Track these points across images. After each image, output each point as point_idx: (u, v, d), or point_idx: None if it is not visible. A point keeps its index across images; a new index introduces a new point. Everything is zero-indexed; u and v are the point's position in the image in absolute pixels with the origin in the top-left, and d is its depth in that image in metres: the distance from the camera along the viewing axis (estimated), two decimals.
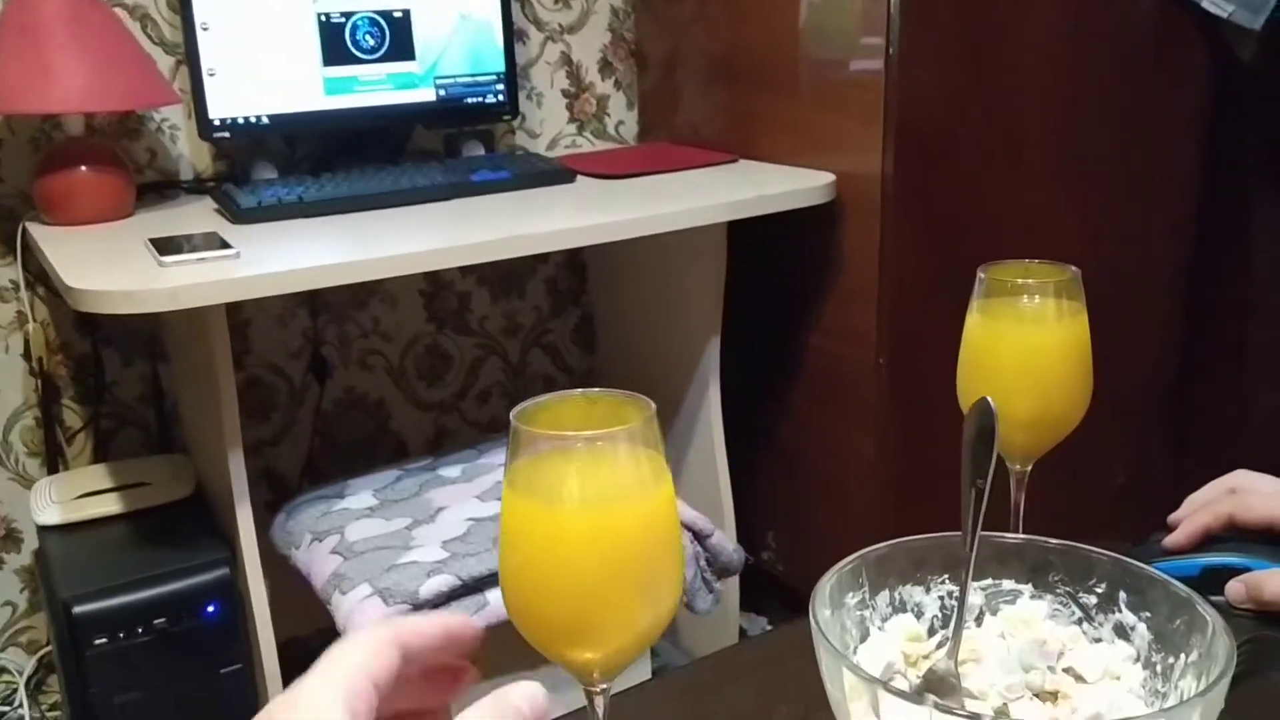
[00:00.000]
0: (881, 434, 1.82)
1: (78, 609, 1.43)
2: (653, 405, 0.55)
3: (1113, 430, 1.88)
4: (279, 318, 2.04)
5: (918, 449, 1.82)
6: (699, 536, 1.63)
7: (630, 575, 0.54)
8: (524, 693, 0.43)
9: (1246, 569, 0.84)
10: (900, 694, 0.58)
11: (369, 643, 0.44)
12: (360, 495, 1.64)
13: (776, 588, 2.08)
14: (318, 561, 1.47)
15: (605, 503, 0.53)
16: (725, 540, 1.68)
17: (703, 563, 1.64)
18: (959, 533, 0.67)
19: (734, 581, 1.84)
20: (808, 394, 1.96)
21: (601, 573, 0.53)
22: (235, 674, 1.53)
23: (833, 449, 1.92)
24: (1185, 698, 0.61)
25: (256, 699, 1.55)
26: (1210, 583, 0.84)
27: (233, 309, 1.52)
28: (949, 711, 0.57)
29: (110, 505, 1.67)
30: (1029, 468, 0.83)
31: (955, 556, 0.68)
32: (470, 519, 1.54)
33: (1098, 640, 0.69)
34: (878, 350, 1.78)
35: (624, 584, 0.54)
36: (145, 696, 1.47)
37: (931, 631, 0.72)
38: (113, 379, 1.93)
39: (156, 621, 1.46)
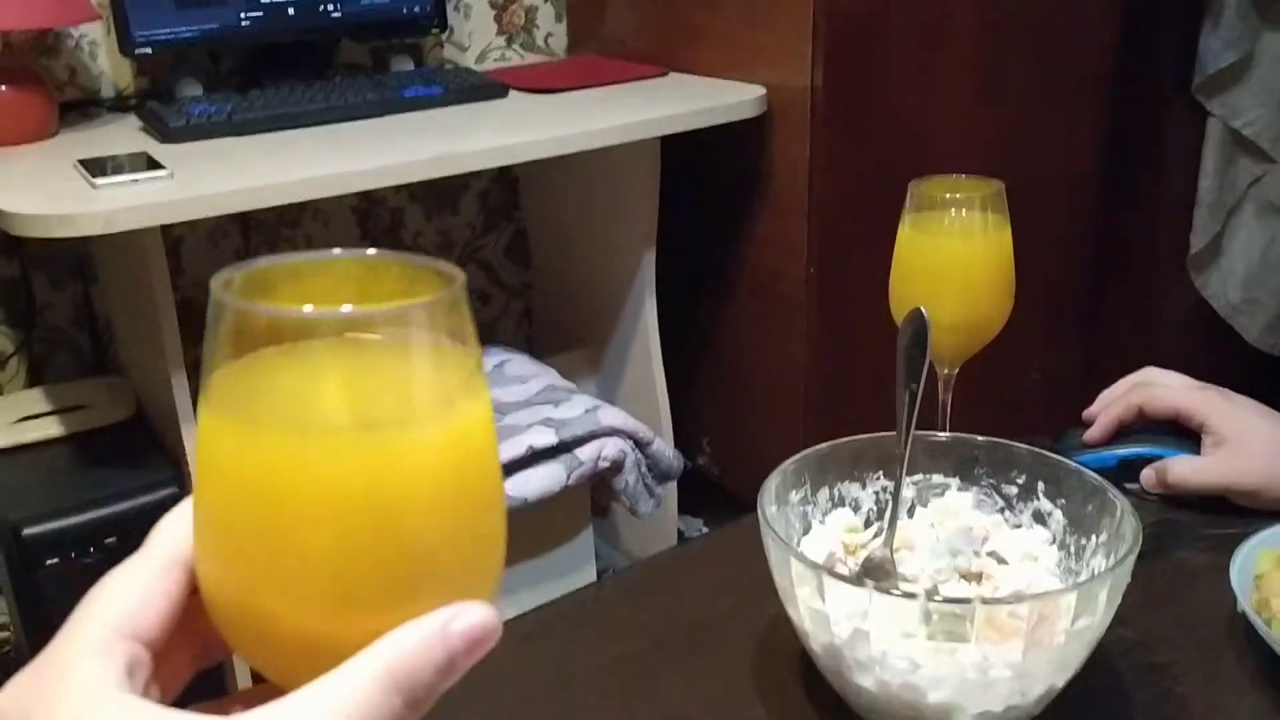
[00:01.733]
0: (811, 342, 1.88)
1: (27, 531, 1.45)
2: (461, 275, 0.34)
3: (1031, 333, 1.97)
4: (210, 236, 2.03)
5: (846, 356, 1.89)
6: (640, 444, 1.68)
7: (420, 551, 0.33)
8: (465, 626, 0.32)
9: (1157, 457, 0.91)
10: (842, 578, 0.63)
11: (145, 566, 0.34)
12: None
13: (712, 491, 2.15)
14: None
15: (384, 433, 0.32)
16: (664, 447, 1.74)
17: (644, 469, 1.70)
18: (893, 433, 0.72)
19: (672, 486, 1.91)
20: (741, 304, 2.01)
21: (374, 551, 0.32)
22: None
23: (765, 357, 1.98)
24: (1096, 573, 0.68)
25: None
26: (1125, 472, 0.92)
27: (164, 228, 1.52)
28: (885, 592, 0.63)
29: (50, 429, 1.67)
30: (955, 370, 0.89)
31: (890, 454, 0.74)
32: None
33: (1018, 526, 0.76)
34: (808, 261, 1.83)
35: (407, 568, 0.33)
36: None
37: (868, 523, 0.78)
38: (43, 302, 1.91)
39: (107, 541, 1.48)
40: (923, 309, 0.69)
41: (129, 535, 1.49)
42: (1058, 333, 2.11)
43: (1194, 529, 0.87)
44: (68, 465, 1.63)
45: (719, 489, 2.14)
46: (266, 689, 0.34)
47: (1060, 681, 0.64)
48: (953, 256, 0.84)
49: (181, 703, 0.34)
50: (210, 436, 0.34)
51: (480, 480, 0.35)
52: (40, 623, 1.49)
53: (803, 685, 0.73)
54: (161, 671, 0.34)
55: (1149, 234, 2.32)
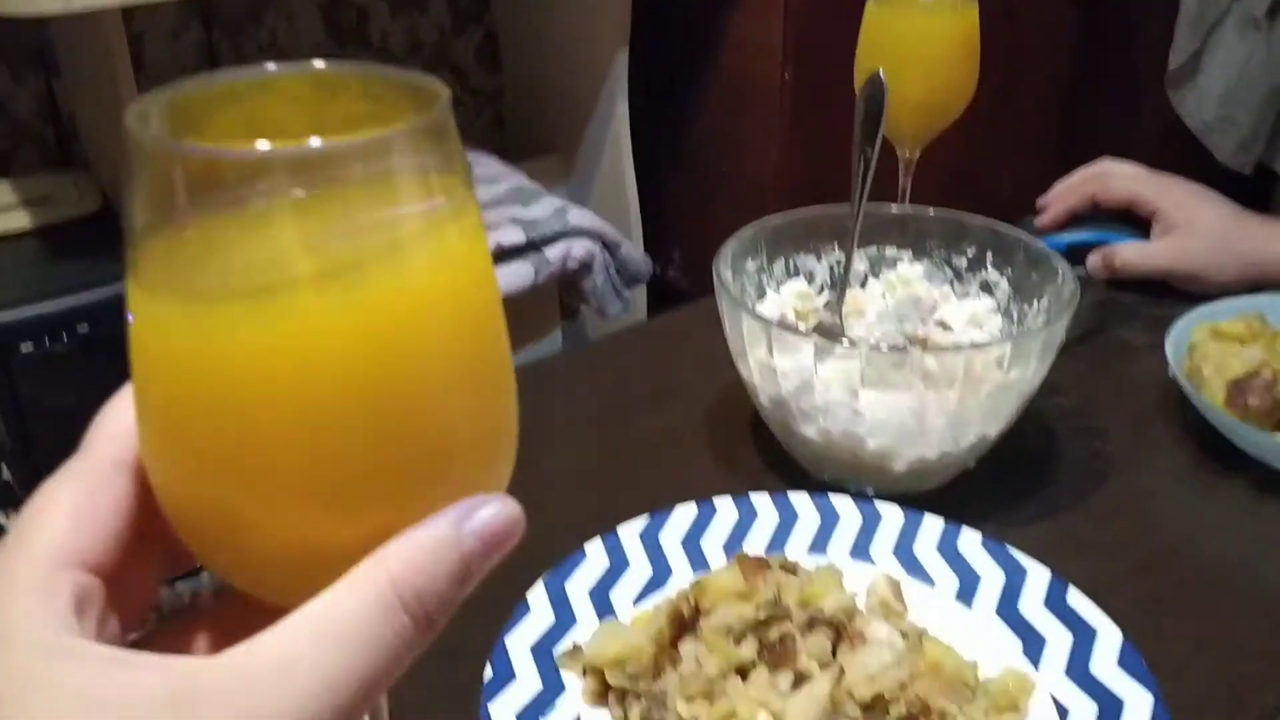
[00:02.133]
0: (786, 146, 1.87)
1: (2, 318, 1.46)
2: (444, 90, 0.28)
3: (1004, 143, 1.97)
4: (172, 31, 1.97)
5: (821, 165, 1.88)
6: (609, 246, 1.69)
7: (424, 433, 0.27)
8: (482, 524, 0.27)
9: (1105, 243, 0.93)
10: (790, 329, 0.66)
11: (83, 477, 0.28)
12: None
13: (681, 302, 2.17)
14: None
15: (370, 289, 0.26)
16: (633, 250, 1.74)
17: (612, 271, 1.72)
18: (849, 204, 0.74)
19: (641, 291, 1.93)
20: (715, 109, 1.99)
21: (366, 437, 0.26)
22: None
23: (738, 163, 1.97)
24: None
25: None
26: (1073, 258, 0.94)
27: (125, 21, 1.47)
28: (830, 337, 0.65)
29: (16, 221, 1.66)
30: (916, 154, 0.90)
31: (845, 227, 0.75)
32: None
33: (965, 296, 0.78)
34: (783, 64, 1.80)
35: (408, 455, 0.27)
36: (75, 401, 1.51)
37: (821, 293, 0.80)
38: (5, 95, 1.86)
39: (80, 328, 1.49)
40: (880, 73, 0.70)
41: (101, 323, 1.51)
42: (1032, 144, 2.10)
43: (1135, 309, 0.90)
44: (36, 257, 1.62)
45: (688, 301, 2.17)
46: (241, 606, 0.29)
47: (992, 431, 0.67)
48: (916, 31, 0.83)
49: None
50: (147, 324, 0.27)
51: (491, 341, 0.29)
52: (14, 413, 1.52)
53: (752, 441, 0.76)
54: (120, 595, 0.28)
55: (1129, 48, 2.29)
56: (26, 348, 1.46)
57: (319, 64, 0.29)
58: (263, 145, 0.25)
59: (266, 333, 0.25)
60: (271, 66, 0.29)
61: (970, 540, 0.63)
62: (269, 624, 0.25)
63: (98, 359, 1.52)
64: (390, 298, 0.26)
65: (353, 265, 0.26)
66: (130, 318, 0.27)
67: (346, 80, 0.29)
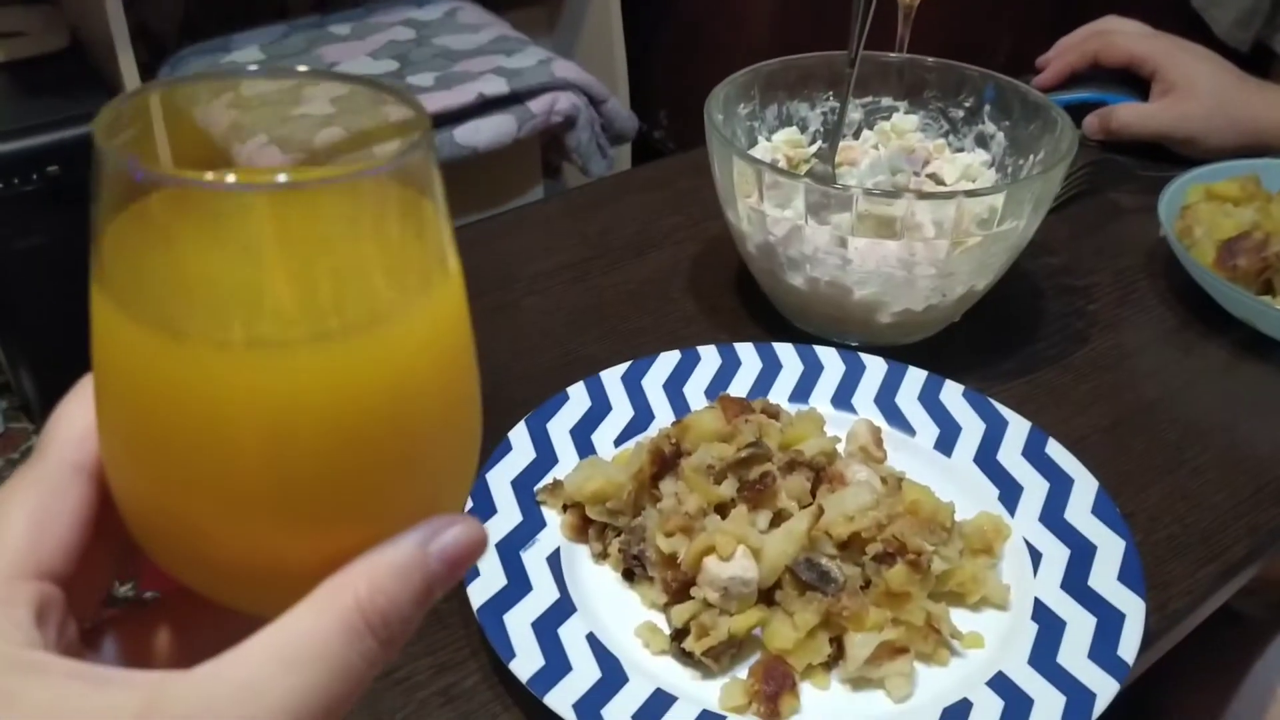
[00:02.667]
0: (778, 7, 1.82)
1: None
2: (423, 111, 0.26)
3: (1003, 3, 1.91)
4: None
5: (815, 20, 1.83)
6: (594, 100, 1.65)
7: (391, 462, 0.26)
8: (446, 547, 0.27)
9: (1103, 103, 0.91)
10: (781, 172, 0.64)
11: (41, 482, 0.27)
12: (247, 50, 1.60)
13: None
14: (213, 113, 1.46)
15: (347, 340, 0.25)
16: (619, 106, 1.70)
17: (597, 128, 1.68)
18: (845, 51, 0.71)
19: (626, 149, 1.89)
20: None
21: (331, 466, 0.26)
22: None
23: (731, 20, 1.91)
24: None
25: None
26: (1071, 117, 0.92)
27: None
28: (823, 183, 0.64)
29: None
30: (917, 1, 0.87)
31: (840, 74, 0.73)
32: (364, 75, 1.53)
33: (960, 150, 0.77)
34: None
35: (374, 480, 0.26)
36: (47, 243, 1.49)
37: (814, 143, 0.78)
38: None
39: (49, 169, 1.46)
40: None
41: (70, 165, 1.47)
42: (1030, 8, 2.05)
43: (1129, 170, 0.89)
44: (5, 93, 1.57)
45: None
46: (199, 608, 0.29)
47: (980, 284, 0.66)
48: None
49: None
50: (110, 335, 0.25)
51: (462, 374, 0.29)
52: None
53: (736, 293, 0.75)
54: (77, 596, 0.27)
55: None
56: None
57: (302, 69, 0.29)
58: (230, 180, 0.25)
59: (236, 377, 0.24)
60: (254, 68, 0.29)
61: (952, 392, 0.63)
62: (227, 614, 0.27)
63: (68, 201, 1.48)
64: (372, 347, 0.25)
65: (330, 312, 0.25)
66: (94, 321, 0.26)
67: (317, 82, 0.29)
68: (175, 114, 0.27)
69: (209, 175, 0.25)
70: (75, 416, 0.28)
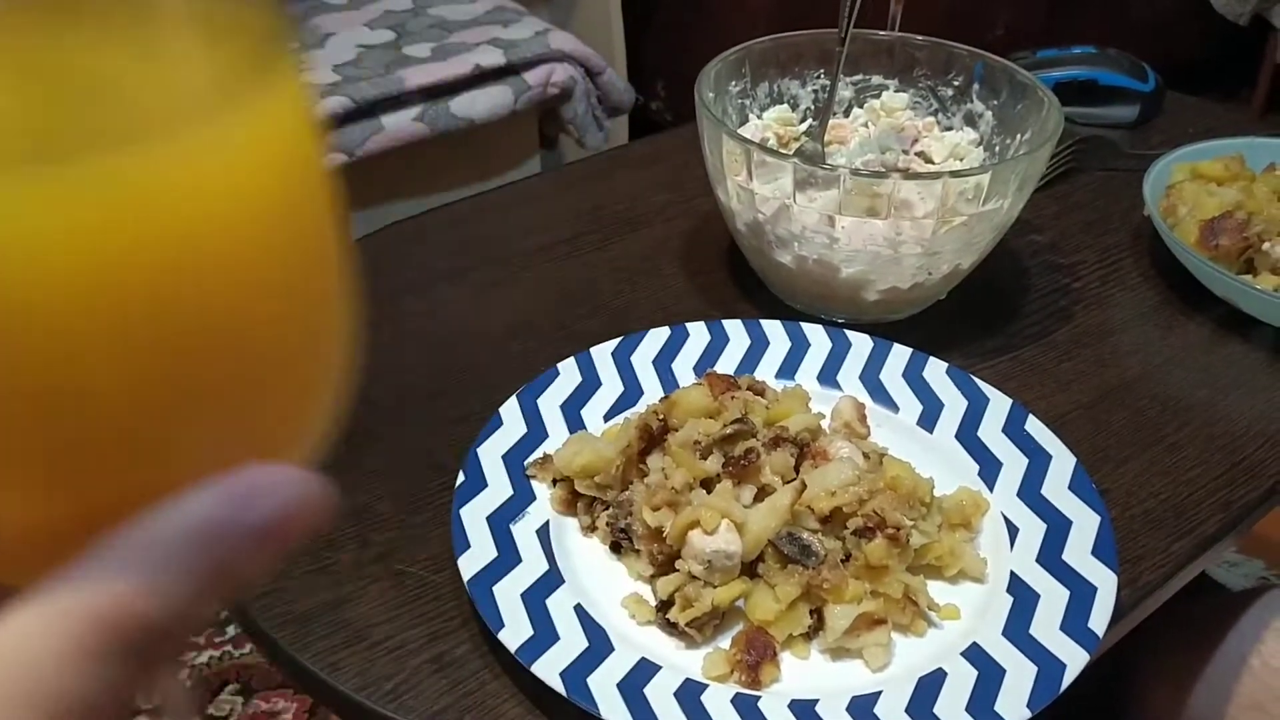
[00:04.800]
0: None
1: None
2: None
3: None
4: None
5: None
6: (591, 72, 1.65)
7: (170, 370, 0.18)
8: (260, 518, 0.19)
9: (1094, 82, 0.92)
10: (770, 152, 0.65)
11: (47, 656, 0.18)
12: None
13: None
14: None
15: (118, 157, 0.17)
16: (616, 78, 1.71)
17: (593, 99, 1.68)
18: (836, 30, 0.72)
19: (622, 122, 1.89)
20: None
21: (84, 372, 0.18)
22: None
23: None
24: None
25: None
26: (1061, 97, 0.92)
27: None
28: (811, 163, 0.65)
29: None
30: None
31: (831, 52, 0.74)
32: (360, 45, 1.53)
33: (948, 129, 0.77)
34: None
35: (150, 399, 0.18)
36: None
37: (804, 120, 0.79)
38: None
39: None
40: None
41: None
42: None
43: (1117, 148, 0.90)
44: None
45: None
46: None
47: (966, 262, 0.68)
48: None
49: None
50: None
51: (299, 245, 0.20)
52: None
53: (726, 270, 0.76)
54: None
55: None
56: None
57: None
58: None
59: None
60: None
61: (936, 369, 0.64)
62: None
63: None
64: (143, 170, 0.18)
65: (104, 119, 0.18)
66: None
67: None
68: None
69: None
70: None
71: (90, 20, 0.19)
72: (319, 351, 0.21)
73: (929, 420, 0.62)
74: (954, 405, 0.62)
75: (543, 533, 0.54)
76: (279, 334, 0.20)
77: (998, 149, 0.74)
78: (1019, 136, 0.72)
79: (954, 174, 0.61)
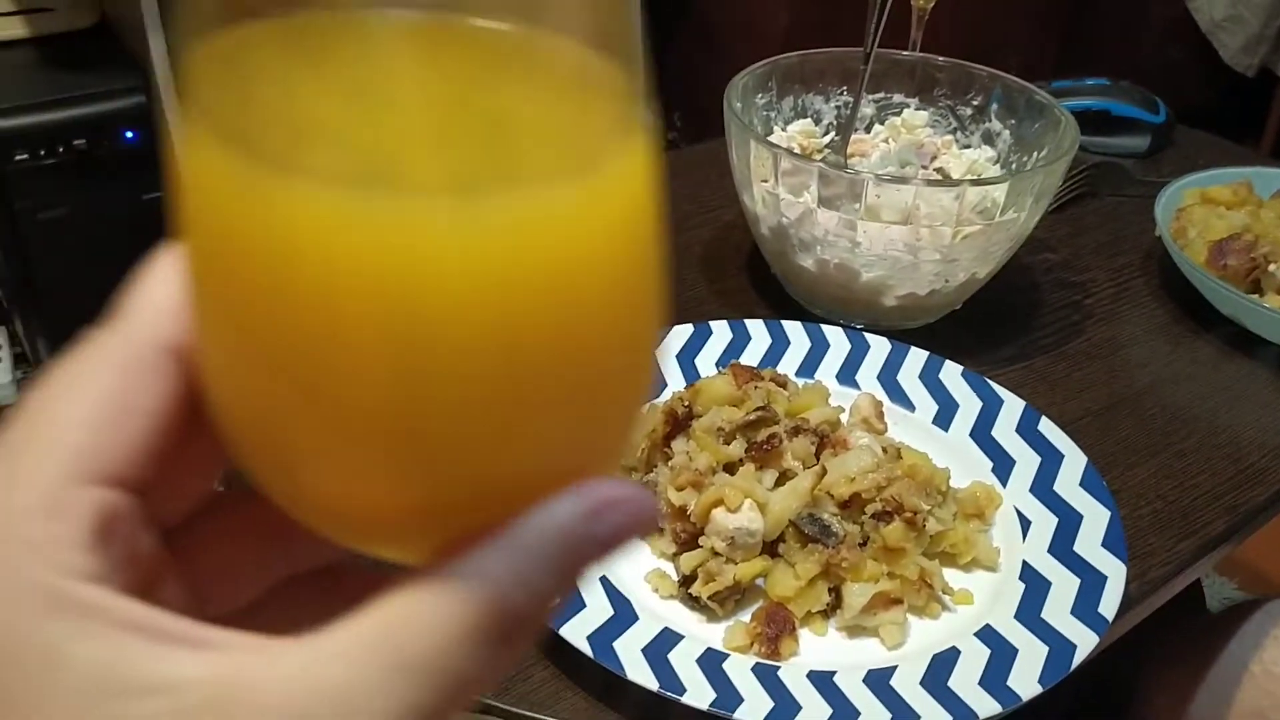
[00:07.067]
0: (796, 8, 1.85)
1: None
2: None
3: (1013, 20, 1.95)
4: None
5: (831, 21, 1.86)
6: None
7: (542, 399, 0.20)
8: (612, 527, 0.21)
9: (1107, 113, 0.95)
10: (797, 156, 0.67)
11: (112, 360, 0.21)
12: None
13: None
14: None
15: (505, 204, 0.19)
16: None
17: None
18: (861, 49, 0.75)
19: None
20: None
21: (463, 392, 0.20)
22: (158, 203, 1.58)
23: (747, 23, 1.95)
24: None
25: None
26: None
27: None
28: (837, 169, 0.67)
29: (13, 29, 1.64)
30: (930, 5, 0.90)
31: (854, 70, 0.76)
32: None
33: (966, 146, 0.80)
34: None
35: (519, 420, 0.20)
36: (69, 214, 1.52)
37: (827, 135, 0.82)
38: None
39: (76, 142, 1.49)
40: None
41: (97, 140, 1.50)
42: (1040, 23, 2.09)
43: (1129, 174, 0.92)
44: (34, 66, 1.61)
45: None
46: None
47: (981, 272, 0.70)
48: None
49: None
50: (200, 171, 0.20)
51: (643, 276, 0.21)
52: (11, 219, 1.52)
53: (746, 277, 0.78)
54: (161, 504, 0.22)
55: None
56: (21, 157, 1.46)
57: None
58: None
59: (350, 236, 0.18)
60: None
61: (951, 372, 0.66)
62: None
63: (94, 175, 1.52)
64: (535, 217, 0.19)
65: (483, 165, 0.19)
66: (179, 156, 0.20)
67: None
68: None
69: None
70: (162, 284, 0.21)
71: (492, 64, 0.20)
72: (646, 377, 0.23)
73: (944, 419, 0.63)
74: (968, 406, 0.64)
75: None
76: (626, 361, 0.22)
77: (1014, 166, 0.76)
78: (1035, 155, 0.74)
79: (973, 183, 0.64)
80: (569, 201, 0.19)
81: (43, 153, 1.46)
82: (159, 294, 0.21)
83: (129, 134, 1.52)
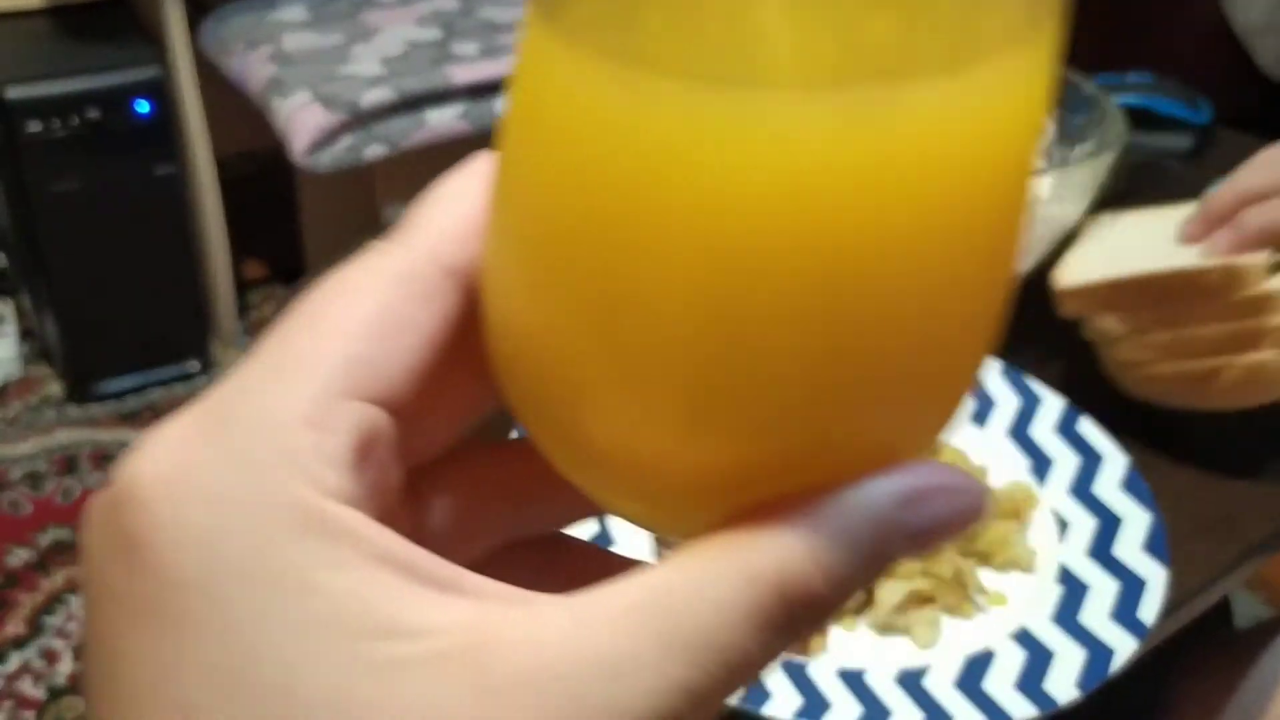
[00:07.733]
0: None
1: (11, 92, 1.43)
2: None
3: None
4: None
5: None
6: None
7: (890, 345, 0.17)
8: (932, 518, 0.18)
9: (1148, 110, 0.92)
10: None
11: (394, 275, 0.20)
12: (292, 9, 1.61)
13: None
14: (253, 67, 1.47)
15: (905, 107, 0.16)
16: None
17: None
18: None
19: None
20: None
21: (799, 334, 0.17)
22: (170, 179, 1.57)
23: None
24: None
25: (191, 207, 1.60)
26: None
27: None
28: None
29: None
30: None
31: None
32: (409, 42, 1.54)
33: None
34: None
35: (854, 372, 0.17)
36: (80, 188, 1.50)
37: None
38: None
39: (90, 114, 1.47)
40: None
41: (111, 111, 1.49)
42: (1072, 25, 2.06)
43: (1173, 173, 0.90)
44: (51, 35, 1.59)
45: None
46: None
47: (1025, 266, 0.67)
48: None
49: None
50: (549, 81, 0.18)
51: (1019, 213, 0.18)
52: (23, 191, 1.50)
53: None
54: (414, 435, 0.20)
55: None
56: (34, 127, 1.44)
57: None
58: None
59: (710, 137, 0.16)
60: None
61: (989, 366, 0.64)
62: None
63: (107, 148, 1.50)
64: (933, 141, 0.16)
65: (879, 64, 0.16)
66: (523, 66, 0.18)
67: None
68: None
69: None
70: (456, 205, 0.20)
71: None
72: (993, 339, 0.19)
73: (980, 417, 0.61)
74: (1006, 403, 0.62)
75: None
76: (984, 312, 0.18)
77: (1058, 159, 0.74)
78: (1079, 148, 0.72)
79: None
80: (963, 105, 0.16)
81: (57, 123, 1.45)
82: (452, 211, 0.20)
83: (143, 107, 1.50)
